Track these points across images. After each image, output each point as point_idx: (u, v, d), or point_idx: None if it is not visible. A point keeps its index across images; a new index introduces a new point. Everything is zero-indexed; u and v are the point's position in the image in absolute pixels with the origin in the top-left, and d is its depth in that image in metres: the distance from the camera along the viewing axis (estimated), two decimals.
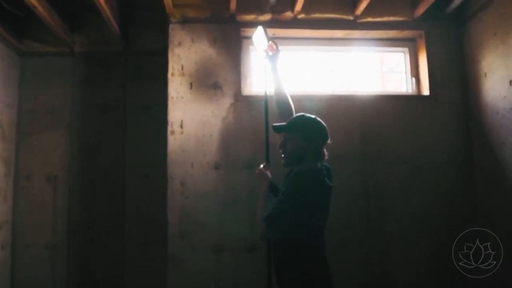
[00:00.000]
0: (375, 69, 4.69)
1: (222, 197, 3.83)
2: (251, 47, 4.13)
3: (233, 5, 3.86)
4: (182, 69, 3.95)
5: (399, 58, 4.50)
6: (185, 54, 3.97)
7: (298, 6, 3.91)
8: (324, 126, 2.58)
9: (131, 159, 4.35)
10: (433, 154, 4.04)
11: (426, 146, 4.04)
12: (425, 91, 4.15)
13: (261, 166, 2.89)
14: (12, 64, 4.33)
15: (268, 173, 2.83)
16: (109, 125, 4.42)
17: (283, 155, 2.61)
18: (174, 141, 3.86)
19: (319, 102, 3.91)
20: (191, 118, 3.89)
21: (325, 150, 2.58)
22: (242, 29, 4.06)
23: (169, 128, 3.87)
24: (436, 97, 4.10)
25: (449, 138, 4.07)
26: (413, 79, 4.26)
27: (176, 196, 3.80)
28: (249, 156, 3.84)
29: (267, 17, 4.07)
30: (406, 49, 4.34)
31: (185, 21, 4.01)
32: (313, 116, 2.61)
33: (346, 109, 4.01)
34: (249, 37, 4.02)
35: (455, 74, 4.15)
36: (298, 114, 2.65)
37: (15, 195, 4.29)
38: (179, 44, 3.98)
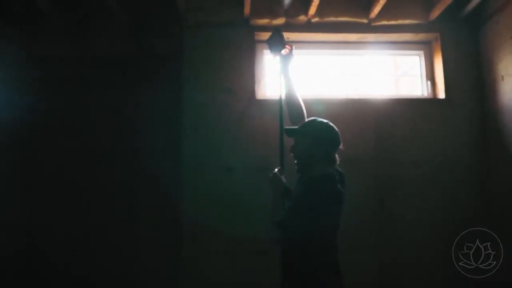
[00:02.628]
0: (389, 72, 4.65)
1: (234, 200, 3.83)
2: (264, 51, 4.14)
3: (247, 9, 3.87)
4: (196, 73, 3.97)
5: (414, 61, 4.46)
6: (199, 58, 3.99)
7: (312, 9, 3.91)
8: (335, 131, 2.56)
9: (144, 162, 4.36)
10: (447, 157, 4.00)
11: (440, 150, 4.00)
12: (441, 94, 4.11)
13: (276, 170, 2.87)
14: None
15: (282, 178, 2.81)
16: (122, 128, 4.42)
17: (295, 159, 2.60)
18: (188, 144, 3.87)
19: (333, 106, 3.90)
20: (205, 121, 3.91)
21: (336, 156, 2.56)
22: (256, 33, 4.07)
23: (183, 132, 3.89)
24: (452, 100, 4.06)
25: (464, 141, 4.03)
26: (429, 82, 4.23)
27: (189, 198, 3.82)
28: (262, 159, 3.83)
29: (280, 21, 4.07)
30: (421, 52, 4.31)
31: (199, 25, 4.03)
32: (325, 121, 2.59)
33: (359, 113, 3.99)
34: (262, 41, 4.04)
35: (471, 77, 4.10)
36: (310, 118, 2.64)
37: None
38: (193, 48, 4.00)
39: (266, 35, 3.87)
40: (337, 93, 4.25)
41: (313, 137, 2.52)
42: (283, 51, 2.97)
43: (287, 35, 3.86)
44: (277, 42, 3.00)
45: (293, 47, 2.98)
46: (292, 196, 2.70)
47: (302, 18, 4.07)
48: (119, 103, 4.44)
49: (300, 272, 2.47)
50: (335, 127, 2.57)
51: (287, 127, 2.67)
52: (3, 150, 4.29)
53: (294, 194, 2.58)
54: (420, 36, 4.24)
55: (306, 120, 2.67)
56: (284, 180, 2.81)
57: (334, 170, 2.55)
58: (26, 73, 4.41)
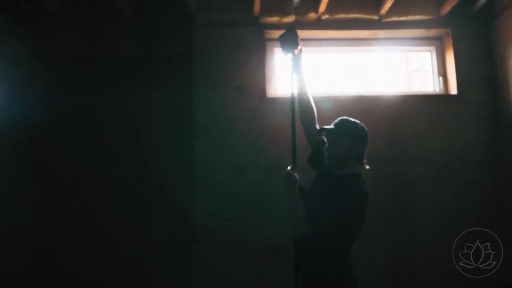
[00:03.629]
0: (400, 69, 4.62)
1: (246, 199, 3.83)
2: (275, 49, 4.13)
3: (256, 7, 3.86)
4: (207, 72, 3.96)
5: (425, 58, 4.43)
6: (209, 58, 3.99)
7: (322, 7, 3.89)
8: (367, 131, 2.58)
9: (155, 163, 4.36)
10: (460, 154, 3.96)
11: (453, 147, 3.97)
12: (453, 90, 4.08)
13: (288, 168, 2.86)
14: None
15: (296, 176, 2.80)
16: (131, 129, 4.42)
17: (328, 158, 2.59)
18: (199, 144, 3.87)
19: (344, 103, 3.88)
20: (216, 121, 3.90)
21: (365, 155, 2.57)
22: (266, 31, 4.06)
23: (195, 131, 3.89)
24: (464, 97, 4.03)
25: (477, 138, 3.99)
26: (440, 78, 4.20)
27: (201, 198, 3.82)
28: (274, 158, 3.82)
29: (290, 18, 4.06)
30: (432, 48, 4.28)
31: (209, 25, 4.03)
32: (357, 121, 2.60)
33: (371, 110, 3.95)
34: (273, 39, 4.03)
35: (483, 72, 4.07)
36: (342, 118, 2.62)
37: None
38: (203, 47, 4.00)
39: (276, 33, 3.86)
40: (348, 90, 4.23)
41: (353, 136, 2.52)
42: (296, 50, 2.95)
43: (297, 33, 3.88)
44: (290, 40, 2.97)
45: (301, 46, 2.97)
46: (306, 194, 2.69)
47: (312, 15, 4.06)
48: (129, 104, 4.44)
49: (321, 271, 2.47)
50: (365, 126, 2.59)
51: (322, 127, 2.66)
52: (15, 152, 4.30)
53: (321, 191, 2.57)
54: (431, 32, 4.21)
55: (339, 119, 2.63)
56: (298, 178, 2.80)
57: (362, 170, 2.56)
58: (36, 73, 4.42)
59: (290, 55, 2.96)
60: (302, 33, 3.93)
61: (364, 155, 2.57)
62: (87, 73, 4.46)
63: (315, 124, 2.86)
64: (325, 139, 2.70)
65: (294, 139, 2.93)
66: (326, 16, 4.06)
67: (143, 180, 4.33)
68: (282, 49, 2.97)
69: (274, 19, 4.06)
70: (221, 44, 4.01)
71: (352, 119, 2.60)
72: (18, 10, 3.94)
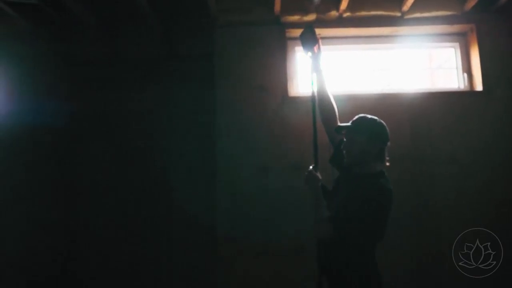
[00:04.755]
0: (423, 66, 4.56)
1: (269, 199, 3.82)
2: (296, 48, 4.12)
3: (277, 6, 3.85)
4: (228, 72, 3.97)
5: (449, 54, 4.37)
6: (230, 58, 3.99)
7: (343, 4, 3.87)
8: (386, 128, 2.56)
9: (177, 163, 4.39)
10: (486, 152, 3.89)
11: (479, 144, 3.90)
12: (478, 86, 4.01)
13: (310, 167, 2.85)
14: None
15: (318, 175, 2.78)
16: (155, 130, 4.47)
17: (347, 156, 2.57)
18: (221, 144, 3.88)
19: (366, 101, 3.85)
20: (238, 121, 3.91)
21: (386, 153, 2.54)
22: (287, 30, 4.05)
23: (217, 132, 3.90)
24: (490, 93, 3.95)
25: (503, 135, 3.91)
26: (465, 74, 4.13)
27: (224, 199, 3.82)
28: (296, 158, 3.81)
29: (311, 17, 4.04)
30: (456, 44, 4.21)
31: (230, 25, 4.04)
32: (375, 117, 2.58)
33: (394, 108, 3.91)
34: (294, 38, 4.02)
35: (509, 68, 3.98)
36: (360, 115, 2.61)
37: None
38: (225, 47, 4.01)
39: (297, 32, 3.85)
40: (371, 88, 4.20)
41: (369, 134, 2.50)
42: (315, 47, 2.95)
43: (318, 31, 3.84)
44: (309, 38, 2.98)
45: (321, 43, 2.96)
46: (328, 193, 2.68)
47: (334, 13, 4.03)
48: (151, 105, 4.49)
49: (346, 271, 2.45)
50: (384, 123, 2.56)
51: (339, 124, 2.66)
52: (40, 153, 4.38)
53: (343, 190, 2.56)
54: (455, 28, 4.14)
55: (357, 116, 2.62)
56: (320, 177, 2.79)
57: (383, 168, 2.53)
58: (62, 77, 4.50)
59: (309, 53, 2.97)
60: (323, 32, 3.99)
61: (385, 153, 2.55)
62: (110, 74, 4.52)
63: (336, 123, 2.84)
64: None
65: (316, 138, 2.92)
66: (347, 14, 4.03)
67: (166, 180, 4.37)
68: (303, 47, 2.98)
69: (295, 18, 4.05)
70: (242, 43, 4.01)
71: (370, 116, 2.58)
72: (44, 17, 4.01)
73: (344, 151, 2.59)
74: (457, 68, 4.21)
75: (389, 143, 2.56)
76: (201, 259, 4.20)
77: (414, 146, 3.90)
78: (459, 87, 4.17)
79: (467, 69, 4.14)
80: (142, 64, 4.54)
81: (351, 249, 2.43)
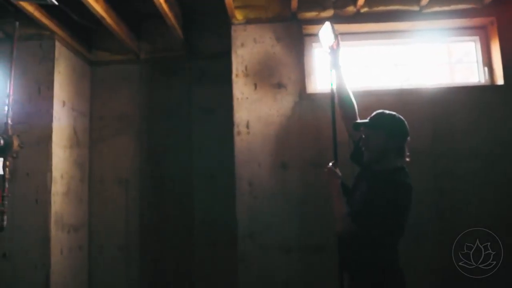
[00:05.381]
0: (442, 60, 4.51)
1: (289, 196, 3.82)
2: (314, 44, 4.11)
3: (294, 3, 3.84)
4: (246, 69, 3.98)
5: (469, 48, 4.30)
6: (248, 55, 4.00)
7: (361, 0, 3.84)
8: (405, 123, 2.54)
9: (197, 161, 4.43)
10: (508, 146, 3.83)
11: (501, 138, 3.84)
12: (499, 80, 3.95)
13: (330, 164, 2.84)
14: (83, 74, 4.55)
15: (338, 171, 2.78)
16: (175, 128, 4.52)
17: (366, 152, 2.57)
18: (240, 141, 3.89)
19: (385, 97, 3.81)
20: (256, 118, 3.91)
21: (406, 148, 2.52)
22: (304, 26, 4.04)
23: (235, 129, 3.91)
24: (511, 87, 3.89)
25: None
26: (486, 68, 4.07)
27: (244, 196, 3.83)
28: (315, 154, 3.81)
29: (329, 13, 4.02)
30: (476, 38, 4.15)
31: (247, 22, 4.04)
32: (393, 113, 2.56)
33: (414, 103, 3.86)
34: (311, 35, 4.02)
35: None
36: (378, 111, 2.60)
37: (90, 198, 4.49)
38: (242, 45, 4.01)
39: (314, 28, 3.87)
40: (390, 84, 4.16)
41: (387, 130, 2.49)
42: (333, 44, 2.94)
43: (335, 27, 3.84)
44: (327, 35, 2.98)
45: (339, 40, 2.95)
46: (348, 190, 2.67)
47: (351, 9, 4.00)
48: (172, 103, 4.54)
49: (367, 267, 2.45)
50: (403, 118, 2.54)
51: (357, 121, 2.66)
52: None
53: (364, 186, 2.54)
54: (475, 21, 4.08)
55: (375, 112, 2.61)
56: (340, 174, 2.78)
57: (403, 163, 2.51)
58: (86, 78, 4.59)
59: (328, 49, 2.97)
60: (341, 27, 3.96)
61: (405, 148, 2.53)
62: (131, 75, 4.58)
63: (356, 119, 2.83)
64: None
65: (335, 135, 2.93)
66: (365, 9, 4.00)
67: (186, 177, 4.42)
68: (322, 43, 2.99)
69: (312, 14, 4.03)
70: (259, 41, 4.01)
71: (388, 112, 2.57)
72: (65, 18, 4.07)
73: (363, 148, 2.58)
74: (477, 62, 4.16)
75: (409, 139, 2.54)
76: (221, 256, 4.23)
77: (435, 141, 3.85)
78: (479, 81, 4.11)
79: (488, 63, 4.08)
80: (162, 63, 4.62)
81: (372, 245, 2.41)
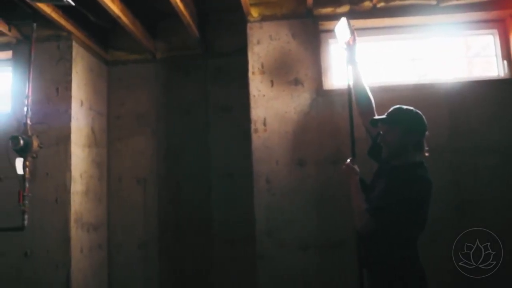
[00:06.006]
0: (460, 54, 4.46)
1: (307, 193, 3.82)
2: (330, 40, 4.09)
3: None
4: (262, 67, 3.98)
5: (487, 41, 4.25)
6: (264, 52, 3.99)
7: None
8: (423, 118, 2.52)
9: (215, 159, 4.45)
10: None
11: None
12: None
13: (348, 160, 2.83)
14: (100, 74, 4.59)
15: (356, 168, 2.77)
16: (192, 127, 4.54)
17: (384, 148, 2.56)
18: (258, 139, 3.89)
19: (403, 92, 3.78)
20: (273, 115, 3.91)
21: (425, 143, 2.50)
22: (320, 22, 4.03)
23: (252, 127, 3.91)
24: None
25: None
26: (505, 61, 4.01)
27: (262, 193, 3.83)
28: (332, 151, 3.80)
29: (345, 8, 3.99)
30: (495, 31, 4.10)
31: (262, 19, 4.04)
32: (411, 108, 2.55)
33: (431, 98, 3.82)
34: (327, 31, 4.01)
35: None
36: (396, 106, 2.58)
37: (108, 197, 4.54)
38: (258, 42, 4.01)
39: (330, 24, 3.85)
40: (407, 79, 4.14)
41: (405, 125, 2.48)
42: (350, 39, 2.94)
43: (352, 23, 3.82)
44: (344, 30, 2.98)
45: (356, 36, 2.94)
46: (367, 186, 2.67)
47: (367, 4, 3.97)
48: (189, 102, 4.56)
49: (387, 262, 2.44)
50: (421, 113, 2.52)
51: (374, 117, 2.66)
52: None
53: (382, 182, 2.53)
54: (493, 14, 4.03)
55: (392, 108, 2.59)
56: (358, 170, 2.77)
57: (422, 158, 2.50)
58: (103, 78, 4.64)
59: (344, 45, 2.97)
60: (357, 23, 3.92)
61: (423, 143, 2.51)
62: (147, 74, 4.61)
63: (373, 115, 2.83)
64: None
65: (353, 131, 2.92)
66: (381, 4, 3.97)
67: (204, 175, 4.45)
68: (338, 39, 2.99)
69: (328, 10, 4.02)
70: (275, 38, 4.01)
71: (406, 107, 2.56)
72: (88, 23, 4.12)
73: (381, 144, 2.57)
74: (496, 55, 4.10)
75: (427, 133, 2.52)
76: (239, 254, 4.25)
77: (453, 136, 3.81)
78: (498, 75, 4.06)
79: (507, 56, 4.02)
80: (179, 62, 4.64)
81: (392, 241, 2.41)
